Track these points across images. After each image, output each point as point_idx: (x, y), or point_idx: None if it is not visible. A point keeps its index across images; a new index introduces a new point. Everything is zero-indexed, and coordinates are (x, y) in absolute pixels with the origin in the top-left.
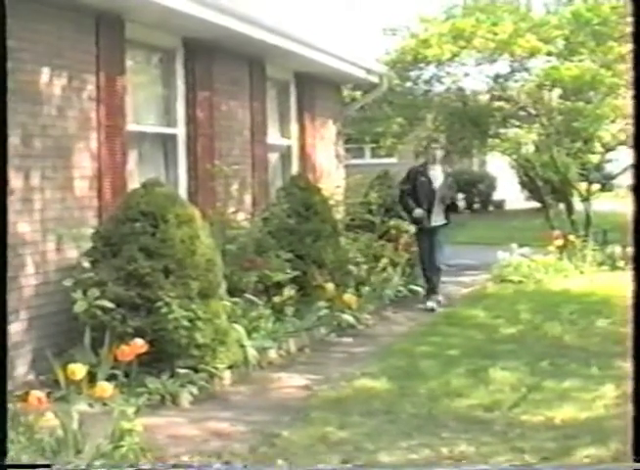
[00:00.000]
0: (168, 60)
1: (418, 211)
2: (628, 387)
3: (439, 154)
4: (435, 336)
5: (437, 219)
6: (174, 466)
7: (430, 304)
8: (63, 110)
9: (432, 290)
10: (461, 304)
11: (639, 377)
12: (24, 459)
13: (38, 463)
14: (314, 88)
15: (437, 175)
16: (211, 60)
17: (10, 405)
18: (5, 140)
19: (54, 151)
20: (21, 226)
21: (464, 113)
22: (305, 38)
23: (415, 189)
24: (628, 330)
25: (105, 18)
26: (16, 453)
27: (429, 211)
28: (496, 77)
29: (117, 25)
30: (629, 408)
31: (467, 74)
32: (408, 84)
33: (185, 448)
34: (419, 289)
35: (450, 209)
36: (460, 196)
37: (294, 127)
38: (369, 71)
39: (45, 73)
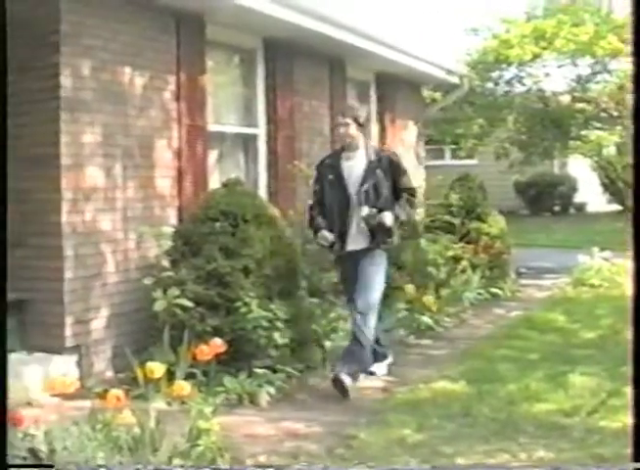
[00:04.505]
0: (249, 60)
1: (323, 235)
2: None
3: (356, 132)
4: (515, 339)
5: (357, 241)
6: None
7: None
8: (144, 109)
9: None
10: (540, 307)
11: (639, 380)
12: (101, 457)
13: (38, 463)
14: (395, 89)
15: (356, 167)
16: (292, 60)
17: (88, 402)
18: (5, 141)
19: (136, 150)
20: (103, 224)
21: (545, 114)
22: (386, 39)
23: (322, 193)
24: None
25: (185, 18)
26: (93, 450)
27: (342, 228)
28: (578, 79)
29: (198, 26)
30: None
31: (548, 75)
32: (489, 85)
33: (261, 448)
34: (499, 292)
35: (375, 226)
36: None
37: (374, 128)
38: (449, 72)
39: (126, 73)
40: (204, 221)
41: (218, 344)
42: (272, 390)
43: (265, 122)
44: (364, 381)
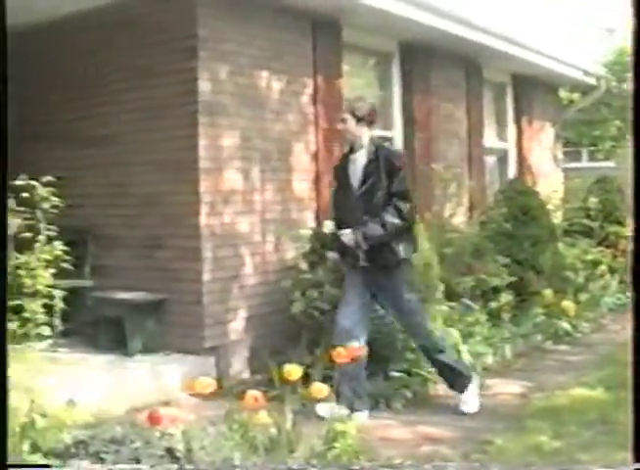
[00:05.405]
0: (385, 63)
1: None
2: None
3: (357, 128)
4: None
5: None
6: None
7: None
8: (281, 113)
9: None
10: None
11: (639, 378)
12: (237, 457)
13: (38, 463)
14: (531, 90)
15: (358, 169)
16: (428, 62)
17: (226, 402)
18: (5, 141)
19: (273, 153)
20: (241, 227)
21: None
22: (522, 40)
23: (336, 199)
24: None
25: (321, 22)
26: (230, 450)
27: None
28: None
29: (335, 30)
30: None
31: None
32: (626, 86)
33: (397, 452)
34: None
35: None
36: None
37: (510, 130)
38: (586, 73)
39: (263, 77)
40: None
41: (356, 347)
42: (408, 393)
43: (402, 125)
44: (501, 386)
